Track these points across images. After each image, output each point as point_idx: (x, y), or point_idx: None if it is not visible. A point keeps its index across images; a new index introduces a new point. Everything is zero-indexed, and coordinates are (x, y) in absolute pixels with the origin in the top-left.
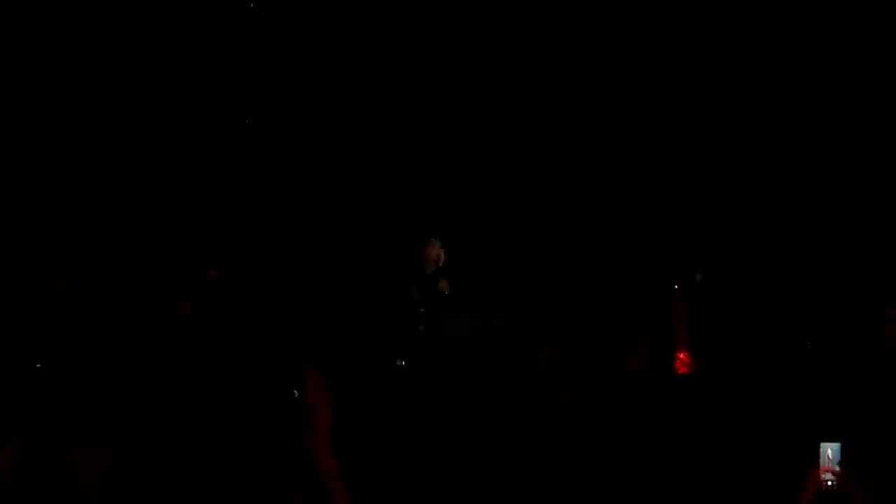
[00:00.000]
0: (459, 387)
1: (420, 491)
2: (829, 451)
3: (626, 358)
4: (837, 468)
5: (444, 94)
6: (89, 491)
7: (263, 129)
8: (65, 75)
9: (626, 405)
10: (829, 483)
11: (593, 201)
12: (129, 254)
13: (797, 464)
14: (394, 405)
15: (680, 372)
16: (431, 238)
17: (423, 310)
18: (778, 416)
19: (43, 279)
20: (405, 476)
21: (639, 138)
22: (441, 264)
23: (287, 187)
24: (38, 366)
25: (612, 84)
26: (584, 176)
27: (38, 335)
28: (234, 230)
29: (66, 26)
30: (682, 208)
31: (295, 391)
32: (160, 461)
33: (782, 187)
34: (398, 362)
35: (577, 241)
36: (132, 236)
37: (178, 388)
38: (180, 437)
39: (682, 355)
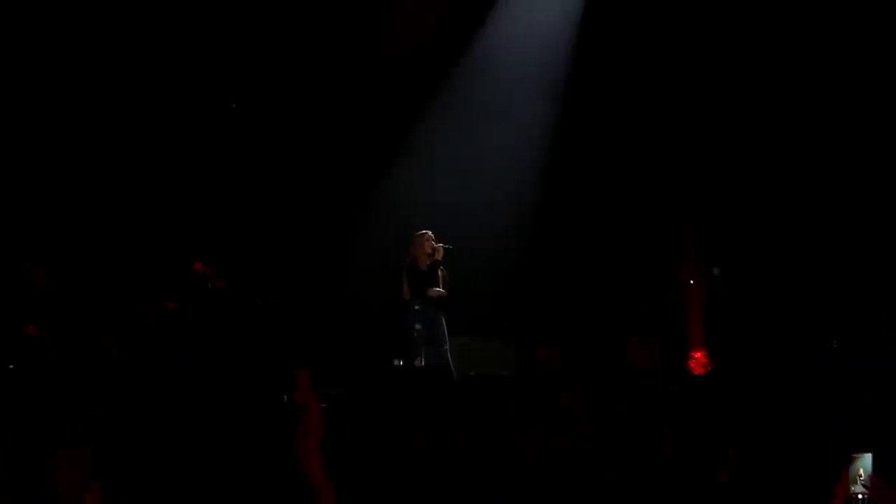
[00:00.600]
0: (459, 388)
1: (413, 495)
2: (861, 462)
3: (627, 357)
4: (868, 480)
5: None
6: (73, 495)
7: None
8: (45, 69)
9: (628, 405)
10: (860, 496)
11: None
12: (111, 249)
13: (824, 477)
14: (388, 407)
15: (696, 372)
16: (426, 232)
17: (417, 307)
18: (803, 425)
19: (22, 275)
20: (398, 480)
21: (652, 133)
22: (438, 258)
23: (286, 186)
24: (11, 367)
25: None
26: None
27: (17, 335)
28: (231, 227)
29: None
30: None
31: (284, 394)
32: (146, 464)
33: (800, 180)
34: (396, 362)
35: (578, 241)
36: (115, 230)
37: (166, 389)
38: (167, 439)
39: (697, 355)
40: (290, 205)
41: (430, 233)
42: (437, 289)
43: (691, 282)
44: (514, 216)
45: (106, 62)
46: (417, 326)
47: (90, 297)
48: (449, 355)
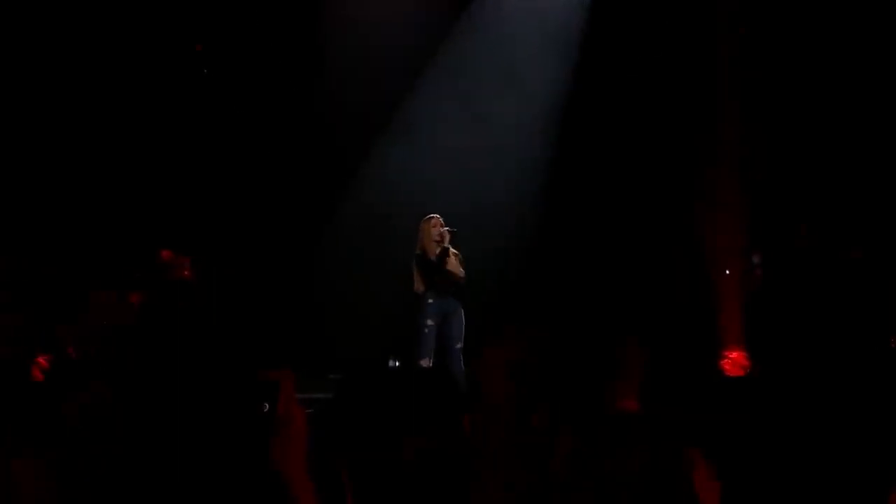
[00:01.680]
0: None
1: None
2: None
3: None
4: None
5: None
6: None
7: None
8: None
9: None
10: None
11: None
12: (70, 233)
13: (876, 486)
14: (381, 413)
15: (731, 374)
16: (433, 216)
17: (431, 300)
18: (854, 430)
19: None
20: (388, 493)
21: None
22: (446, 244)
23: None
24: None
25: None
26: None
27: None
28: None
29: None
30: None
31: (266, 399)
32: (110, 470)
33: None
34: (391, 363)
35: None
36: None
37: (131, 389)
38: (135, 444)
39: (734, 354)
40: (277, 200)
41: (437, 216)
42: (457, 272)
43: (727, 272)
44: (515, 216)
45: (60, 40)
46: (430, 323)
47: (43, 286)
48: (461, 355)
